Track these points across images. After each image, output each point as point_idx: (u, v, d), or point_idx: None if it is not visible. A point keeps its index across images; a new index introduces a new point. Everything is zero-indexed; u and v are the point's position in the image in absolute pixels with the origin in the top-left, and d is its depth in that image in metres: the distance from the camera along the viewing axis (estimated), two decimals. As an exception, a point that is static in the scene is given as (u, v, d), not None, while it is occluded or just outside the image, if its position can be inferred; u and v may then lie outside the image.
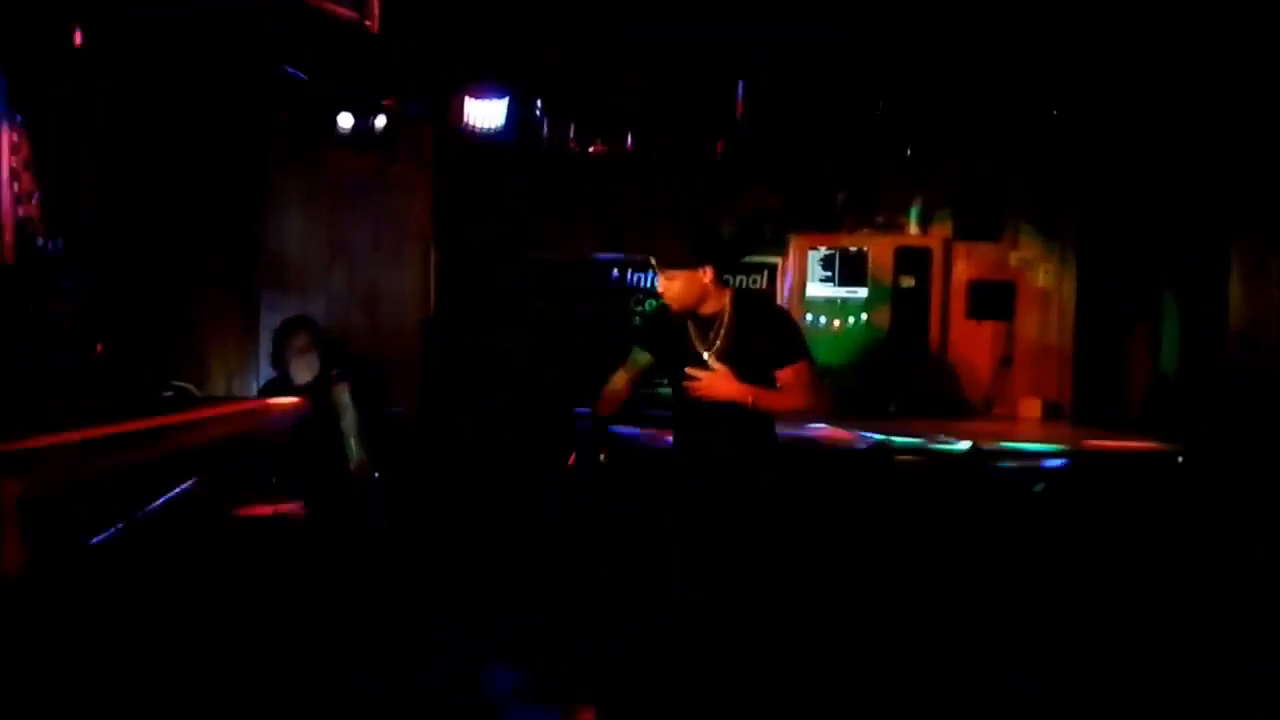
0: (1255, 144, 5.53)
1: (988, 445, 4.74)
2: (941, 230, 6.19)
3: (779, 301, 6.02)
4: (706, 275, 3.34)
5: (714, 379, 3.33)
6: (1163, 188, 5.86)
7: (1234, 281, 6.13)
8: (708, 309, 3.39)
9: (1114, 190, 5.98)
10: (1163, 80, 5.29)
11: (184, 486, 2.87)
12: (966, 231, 6.18)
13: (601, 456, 4.12)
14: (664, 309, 3.47)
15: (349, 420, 3.45)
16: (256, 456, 3.34)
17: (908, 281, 6.08)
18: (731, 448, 3.44)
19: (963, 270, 6.19)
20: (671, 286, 3.34)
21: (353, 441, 3.48)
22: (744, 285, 6.02)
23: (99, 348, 3.51)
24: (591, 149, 5.64)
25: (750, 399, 3.32)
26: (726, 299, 3.41)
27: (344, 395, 3.42)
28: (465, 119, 5.33)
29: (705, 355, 3.39)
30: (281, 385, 4.54)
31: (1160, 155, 5.67)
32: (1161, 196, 5.95)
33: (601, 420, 3.66)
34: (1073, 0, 4.69)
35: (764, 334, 3.40)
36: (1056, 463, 4.64)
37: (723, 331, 3.39)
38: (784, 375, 3.38)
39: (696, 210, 5.69)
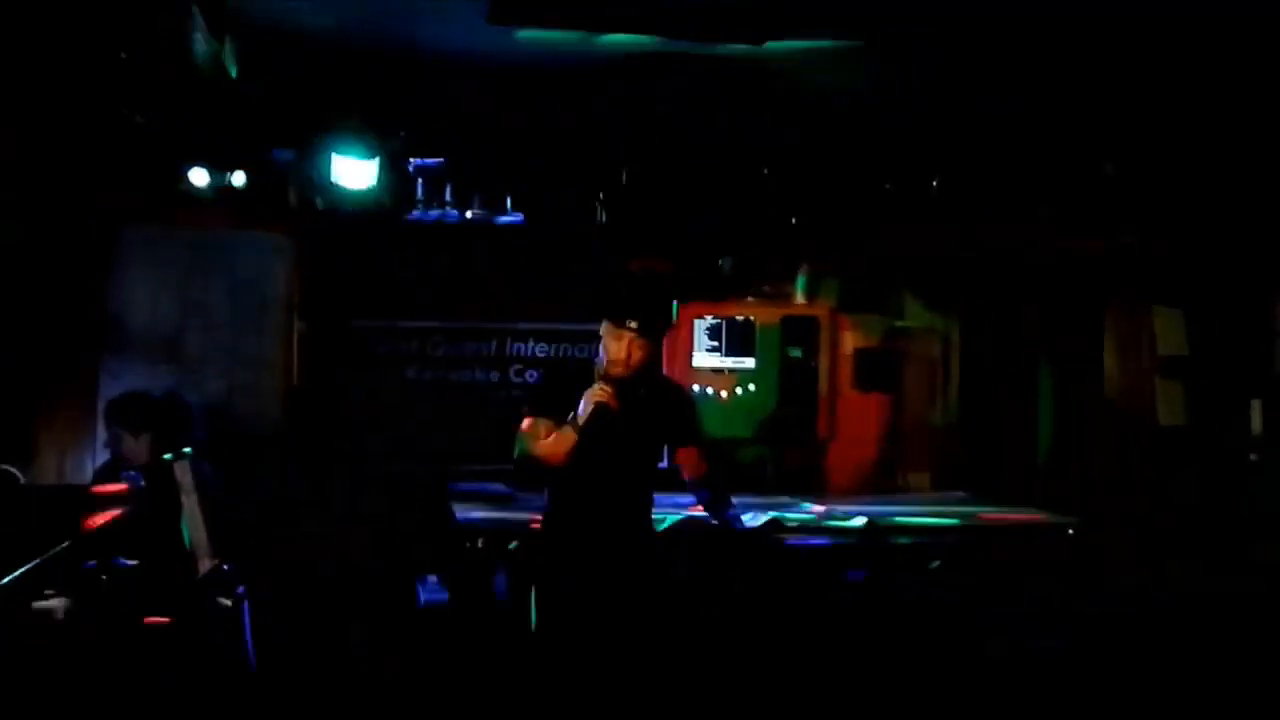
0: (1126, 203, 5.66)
1: (881, 520, 4.59)
2: (828, 300, 6.12)
3: (664, 370, 5.84)
4: (655, 352, 3.41)
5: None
6: (1037, 249, 5.95)
7: (1108, 351, 6.24)
8: (632, 378, 3.33)
9: (992, 254, 6.03)
10: (1035, 137, 5.38)
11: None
12: (853, 302, 6.12)
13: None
14: (559, 375, 3.56)
15: (189, 505, 3.07)
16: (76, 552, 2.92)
17: (795, 351, 5.97)
18: (631, 533, 3.39)
19: (849, 341, 6.12)
20: (636, 354, 3.29)
21: (194, 529, 3.09)
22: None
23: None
24: (469, 213, 5.38)
25: None
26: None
27: (184, 476, 3.05)
28: (333, 177, 5.02)
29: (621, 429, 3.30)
30: (116, 468, 4.08)
31: (1036, 215, 5.75)
32: (1036, 260, 6.04)
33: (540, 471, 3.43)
34: (956, 65, 4.72)
35: (671, 413, 3.48)
36: (952, 538, 4.51)
37: (638, 408, 3.33)
38: (685, 454, 3.50)
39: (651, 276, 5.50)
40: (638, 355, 3.29)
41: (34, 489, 4.06)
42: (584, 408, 3.24)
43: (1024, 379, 6.79)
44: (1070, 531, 4.61)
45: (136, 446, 4.16)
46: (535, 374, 5.64)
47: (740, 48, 4.49)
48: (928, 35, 4.37)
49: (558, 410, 3.35)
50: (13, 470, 3.71)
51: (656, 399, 3.43)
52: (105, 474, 4.19)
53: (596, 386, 3.24)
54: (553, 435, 3.32)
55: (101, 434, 4.66)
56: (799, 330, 6.01)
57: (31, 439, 4.63)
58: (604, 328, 3.34)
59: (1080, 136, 5.30)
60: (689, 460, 3.52)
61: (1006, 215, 5.82)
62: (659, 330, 3.37)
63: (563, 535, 3.43)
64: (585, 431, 3.26)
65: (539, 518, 3.60)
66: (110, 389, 4.82)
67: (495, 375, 5.63)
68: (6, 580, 2.24)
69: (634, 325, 3.27)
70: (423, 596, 4.53)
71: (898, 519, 4.66)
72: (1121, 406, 6.24)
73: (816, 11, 4.20)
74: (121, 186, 4.99)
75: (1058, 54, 4.50)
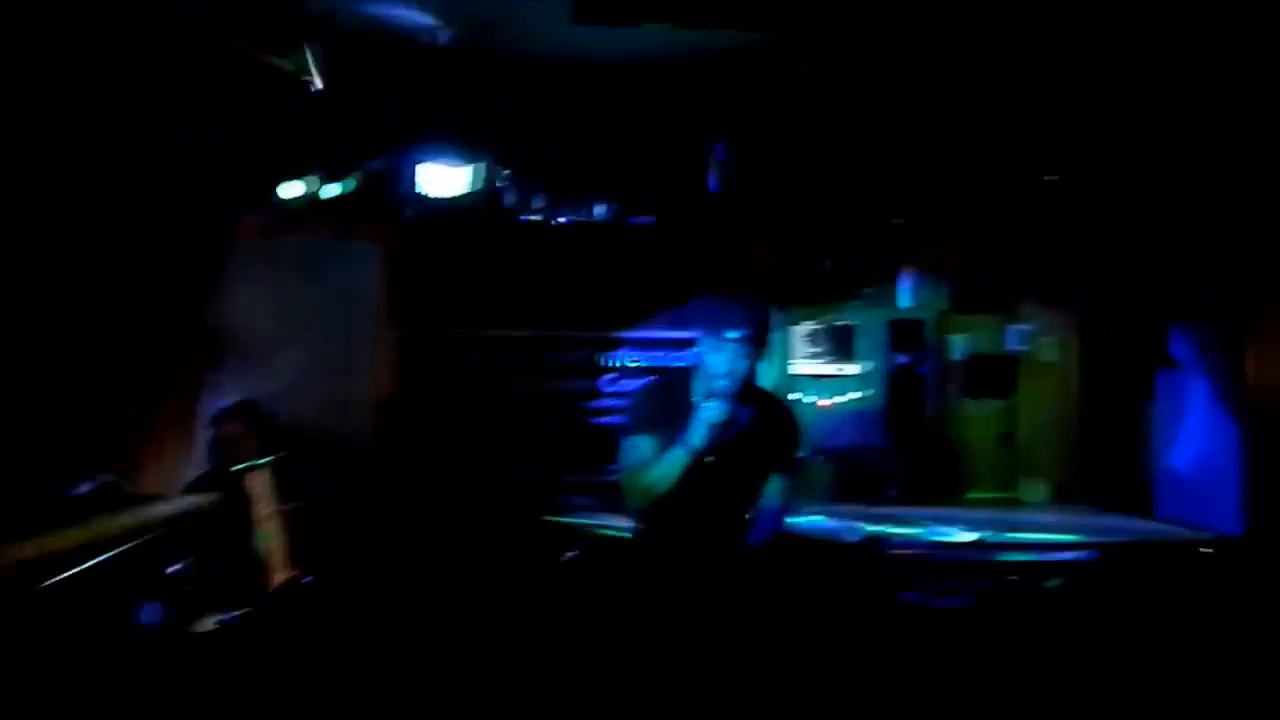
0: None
1: (991, 536, 4.30)
2: (936, 302, 5.82)
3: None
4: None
5: None
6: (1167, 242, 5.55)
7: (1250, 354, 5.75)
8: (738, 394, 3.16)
9: (1116, 250, 5.65)
10: (1161, 138, 5.02)
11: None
12: (963, 303, 5.81)
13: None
14: (659, 389, 3.30)
15: (264, 516, 3.03)
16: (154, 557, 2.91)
17: (901, 356, 5.70)
18: (725, 547, 3.22)
19: (960, 344, 5.81)
20: (741, 365, 3.09)
21: (269, 540, 3.04)
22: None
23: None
24: (560, 218, 5.28)
25: None
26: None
27: (260, 486, 3.01)
28: (425, 186, 4.99)
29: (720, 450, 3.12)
30: (213, 477, 4.11)
31: (1168, 218, 5.36)
32: (1167, 255, 5.63)
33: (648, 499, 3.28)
34: (1072, 63, 4.41)
35: (775, 432, 3.27)
36: (1072, 554, 4.19)
37: (739, 427, 3.15)
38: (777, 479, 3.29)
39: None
40: (742, 368, 3.10)
41: (135, 498, 4.10)
42: (698, 429, 3.04)
43: (1153, 384, 6.36)
44: (1207, 550, 4.24)
45: (243, 449, 4.18)
46: (632, 385, 5.50)
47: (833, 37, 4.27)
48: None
49: (660, 427, 3.18)
50: (118, 480, 3.76)
51: (762, 418, 3.23)
52: (200, 485, 4.23)
53: (710, 404, 3.03)
54: (663, 460, 3.14)
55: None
56: (906, 334, 5.73)
57: (134, 448, 4.70)
58: (704, 341, 3.14)
59: (1212, 122, 4.91)
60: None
61: (1132, 207, 5.44)
62: (762, 341, 3.15)
63: (659, 552, 3.25)
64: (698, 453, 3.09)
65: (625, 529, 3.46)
66: (212, 400, 4.88)
67: (588, 385, 5.52)
68: (56, 580, 2.22)
69: (737, 337, 3.07)
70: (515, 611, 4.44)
71: (1011, 534, 4.38)
72: (1267, 416, 5.76)
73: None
74: (220, 199, 5.06)
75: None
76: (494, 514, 5.14)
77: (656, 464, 3.14)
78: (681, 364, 5.46)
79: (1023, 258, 5.78)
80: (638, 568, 3.33)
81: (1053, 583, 4.05)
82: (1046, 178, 5.25)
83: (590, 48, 4.36)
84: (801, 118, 5.11)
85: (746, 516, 3.29)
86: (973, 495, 5.57)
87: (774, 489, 3.31)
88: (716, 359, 3.09)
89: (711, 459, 3.09)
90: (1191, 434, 6.08)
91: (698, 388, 3.17)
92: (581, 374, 5.53)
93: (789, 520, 3.67)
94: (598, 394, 5.54)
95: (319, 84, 4.12)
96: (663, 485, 3.12)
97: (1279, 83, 4.33)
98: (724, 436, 3.08)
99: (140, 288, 4.56)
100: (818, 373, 5.63)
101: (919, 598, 3.90)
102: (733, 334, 3.06)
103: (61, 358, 3.82)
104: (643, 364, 5.55)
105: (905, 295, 5.81)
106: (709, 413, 3.01)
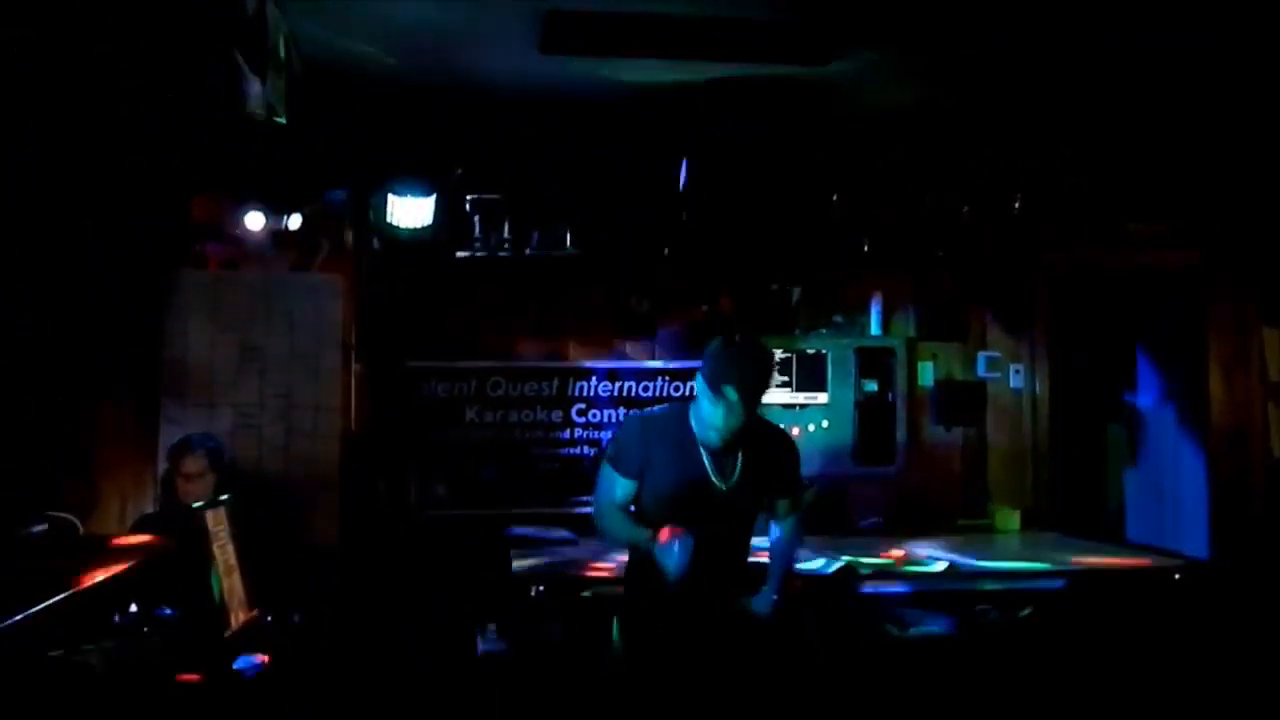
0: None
1: (963, 564, 4.28)
2: (904, 330, 5.82)
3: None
4: None
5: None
6: (1129, 265, 5.60)
7: (1213, 376, 5.80)
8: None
9: (1079, 273, 5.69)
10: (1124, 160, 5.09)
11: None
12: (930, 331, 5.81)
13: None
14: (644, 423, 3.22)
15: (221, 555, 2.94)
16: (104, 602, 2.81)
17: (870, 385, 5.68)
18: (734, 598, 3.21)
19: (929, 372, 5.81)
20: (735, 423, 3.05)
21: (227, 580, 2.95)
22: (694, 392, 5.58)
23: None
24: (527, 249, 5.24)
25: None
26: None
27: (217, 524, 2.93)
28: (388, 217, 4.93)
29: (722, 486, 3.16)
30: (169, 515, 4.00)
31: (1125, 229, 5.43)
32: (1128, 278, 5.68)
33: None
34: (1037, 87, 4.45)
35: (774, 461, 3.27)
36: (1044, 583, 4.17)
37: (739, 463, 3.14)
38: (783, 505, 3.36)
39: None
40: (737, 425, 3.04)
41: (87, 538, 3.98)
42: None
43: (1120, 408, 6.40)
44: (1176, 576, 4.24)
45: (199, 486, 4.09)
46: (602, 415, 5.45)
47: (803, 69, 4.28)
48: (1002, 47, 4.13)
49: (640, 463, 3.14)
50: (72, 519, 3.65)
51: (757, 449, 3.18)
52: (151, 523, 4.12)
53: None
54: (626, 530, 3.16)
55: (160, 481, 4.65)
56: (874, 362, 5.72)
57: (93, 486, 4.57)
58: (702, 387, 3.07)
59: (1167, 143, 4.97)
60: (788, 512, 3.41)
61: (1093, 231, 5.50)
62: (760, 399, 3.09)
63: (651, 590, 3.14)
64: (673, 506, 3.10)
65: (601, 565, 3.41)
66: (169, 434, 4.77)
67: (557, 415, 5.46)
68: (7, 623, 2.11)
69: (736, 398, 3.00)
70: (481, 646, 4.35)
71: (983, 563, 4.35)
72: (1229, 437, 5.80)
73: (878, 28, 3.98)
74: (177, 231, 4.97)
75: (1140, 64, 4.21)
76: (457, 552, 5.06)
77: (620, 527, 3.15)
78: (650, 395, 5.50)
79: (990, 284, 5.81)
80: (633, 605, 3.27)
81: (1025, 611, 4.02)
82: (1015, 205, 5.30)
83: (558, 79, 4.33)
84: (767, 146, 5.14)
85: (744, 544, 3.26)
86: (943, 523, 5.54)
87: (783, 521, 3.34)
88: (713, 411, 3.03)
89: (702, 497, 3.10)
90: (1159, 459, 6.13)
91: (693, 421, 3.14)
92: (550, 405, 5.46)
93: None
94: (569, 424, 5.47)
95: (282, 116, 4.06)
96: (621, 543, 3.19)
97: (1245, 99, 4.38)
98: (711, 479, 3.09)
99: (95, 321, 4.46)
100: (787, 402, 5.60)
101: (893, 628, 3.86)
102: (732, 394, 2.99)
103: (10, 393, 3.71)
104: (614, 394, 5.49)
105: (874, 324, 5.81)
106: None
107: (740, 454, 3.14)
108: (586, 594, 3.95)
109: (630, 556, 3.29)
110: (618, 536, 3.21)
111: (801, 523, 3.42)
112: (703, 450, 3.12)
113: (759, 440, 3.20)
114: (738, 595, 3.23)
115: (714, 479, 3.11)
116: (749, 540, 3.30)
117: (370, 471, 5.20)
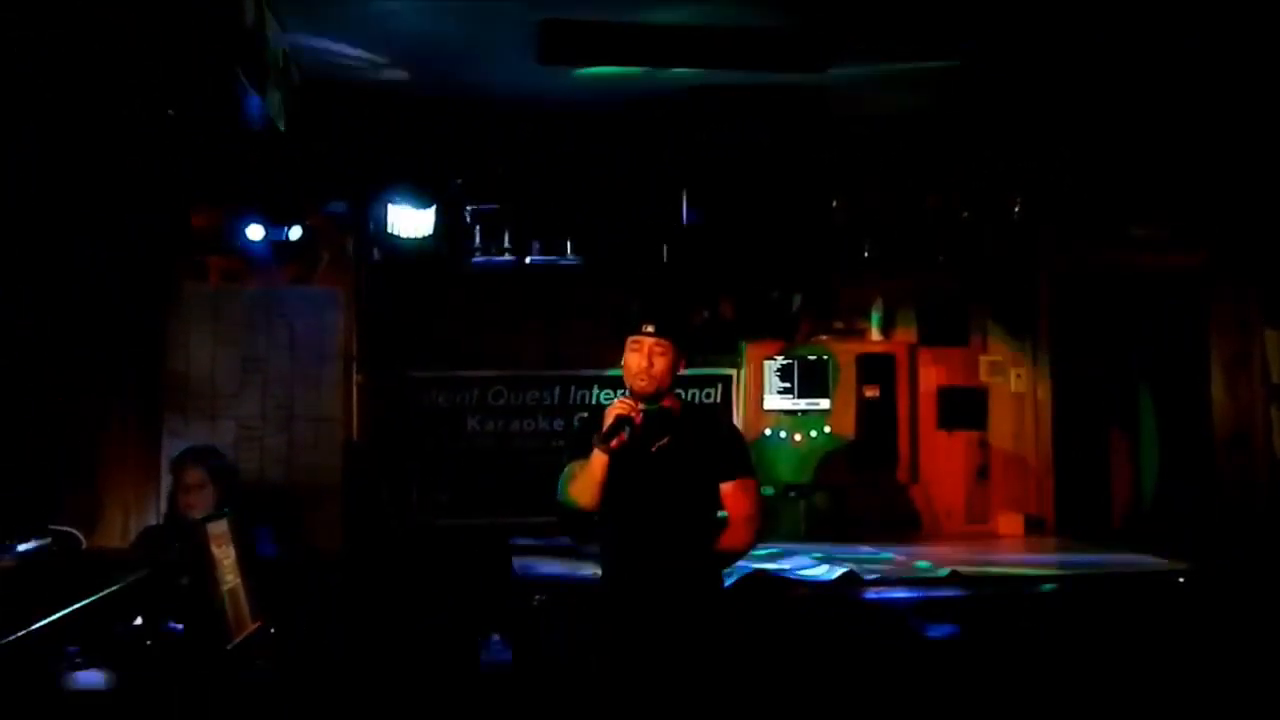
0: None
1: (970, 571, 4.27)
2: (905, 335, 5.82)
3: (735, 415, 5.60)
4: (680, 364, 3.06)
5: None
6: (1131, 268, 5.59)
7: (1215, 376, 5.79)
8: (663, 403, 3.07)
9: (1082, 276, 5.68)
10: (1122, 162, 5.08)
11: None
12: (932, 336, 5.82)
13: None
14: (599, 413, 3.08)
15: (224, 566, 2.95)
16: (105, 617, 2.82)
17: (872, 391, 5.68)
18: (679, 579, 3.03)
19: (931, 377, 5.81)
20: (658, 362, 2.99)
21: (230, 591, 2.96)
22: (696, 399, 5.59)
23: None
24: (528, 258, 5.25)
25: None
26: (676, 400, 3.13)
27: (219, 536, 2.93)
28: (389, 228, 4.95)
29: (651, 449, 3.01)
30: (170, 528, 4.00)
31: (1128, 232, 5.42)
32: (1131, 281, 5.67)
33: (581, 516, 3.14)
34: (1037, 89, 4.46)
35: (714, 443, 3.13)
36: (1048, 587, 4.16)
37: (671, 431, 3.05)
38: (729, 489, 3.07)
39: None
40: (660, 364, 2.99)
41: (90, 551, 3.99)
42: (606, 422, 2.94)
43: (1122, 412, 6.39)
44: (1181, 580, 4.23)
45: (200, 499, 4.09)
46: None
47: (801, 76, 4.29)
48: (1004, 53, 4.14)
49: (587, 443, 3.04)
50: (75, 533, 3.65)
51: (696, 429, 3.13)
52: (154, 535, 4.12)
53: (617, 399, 2.96)
54: (575, 474, 3.06)
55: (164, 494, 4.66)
56: (876, 368, 5.72)
57: (96, 500, 4.58)
58: (626, 347, 3.06)
59: (1168, 145, 4.96)
60: (733, 496, 3.10)
61: (1094, 233, 5.49)
62: (679, 332, 3.04)
63: (613, 586, 3.13)
64: (616, 454, 2.95)
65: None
66: (172, 447, 4.78)
67: (559, 423, 5.46)
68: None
69: (650, 329, 2.99)
70: (484, 656, 4.36)
71: (987, 568, 4.35)
72: (1231, 439, 5.79)
73: (875, 35, 4.00)
74: (178, 244, 4.99)
75: (1142, 64, 4.22)
76: (460, 561, 5.06)
77: (568, 476, 3.08)
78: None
79: (991, 287, 5.81)
80: (600, 607, 3.24)
81: (1028, 616, 4.02)
82: (1016, 208, 5.30)
83: (556, 89, 4.35)
84: (767, 152, 5.14)
85: (697, 532, 3.10)
86: (946, 528, 5.54)
87: (737, 497, 3.12)
88: (633, 358, 3.01)
89: (643, 475, 2.99)
90: (1161, 461, 6.11)
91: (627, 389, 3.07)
92: (551, 413, 5.46)
93: (766, 562, 3.62)
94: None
95: (283, 126, 4.08)
96: (587, 490, 3.01)
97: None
98: (648, 448, 2.99)
99: (97, 334, 4.47)
100: (789, 408, 5.60)
101: (896, 633, 3.86)
102: (648, 329, 2.99)
103: (11, 406, 3.72)
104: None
105: (875, 328, 5.81)
106: (611, 404, 2.93)
107: (677, 426, 3.08)
108: (588, 602, 3.94)
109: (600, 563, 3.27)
110: (571, 483, 3.08)
111: (752, 524, 3.13)
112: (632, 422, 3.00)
113: (697, 420, 3.25)
114: (678, 593, 3.06)
115: (652, 456, 3.01)
116: (704, 532, 3.13)
117: (373, 482, 5.21)
